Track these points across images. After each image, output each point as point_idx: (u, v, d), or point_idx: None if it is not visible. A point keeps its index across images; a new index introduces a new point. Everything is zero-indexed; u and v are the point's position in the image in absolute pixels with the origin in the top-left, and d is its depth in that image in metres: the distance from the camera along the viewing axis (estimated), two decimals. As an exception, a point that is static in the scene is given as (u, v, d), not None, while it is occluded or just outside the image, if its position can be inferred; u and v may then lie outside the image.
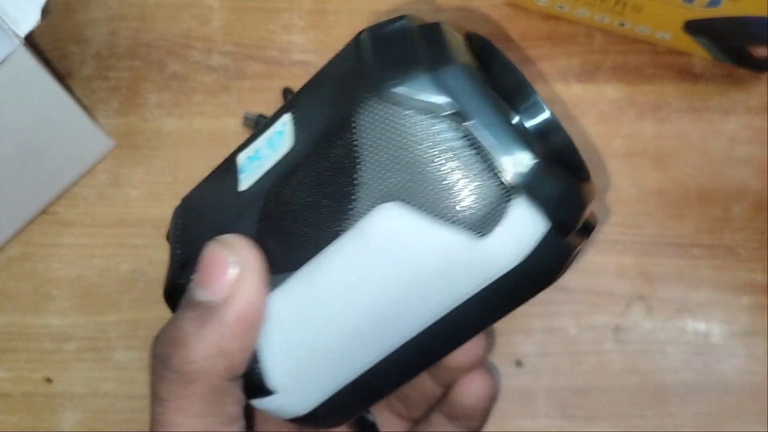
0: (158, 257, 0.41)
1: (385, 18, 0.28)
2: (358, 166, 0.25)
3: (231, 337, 0.26)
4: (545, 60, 0.43)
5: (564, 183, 0.25)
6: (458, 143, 0.25)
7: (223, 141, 0.43)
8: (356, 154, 0.25)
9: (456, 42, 0.27)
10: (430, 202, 0.25)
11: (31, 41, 0.35)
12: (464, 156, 0.25)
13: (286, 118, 0.28)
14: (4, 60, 0.33)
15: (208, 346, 0.26)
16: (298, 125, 0.27)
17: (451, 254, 0.25)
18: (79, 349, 0.41)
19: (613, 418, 0.39)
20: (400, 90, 0.25)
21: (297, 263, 0.26)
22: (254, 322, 0.27)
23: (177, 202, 0.42)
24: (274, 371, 0.28)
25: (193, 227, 0.30)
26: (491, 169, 0.24)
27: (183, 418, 0.26)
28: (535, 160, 0.25)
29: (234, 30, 0.44)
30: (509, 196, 0.24)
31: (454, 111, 0.25)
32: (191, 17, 0.45)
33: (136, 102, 0.43)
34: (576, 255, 0.27)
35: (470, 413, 0.34)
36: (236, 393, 0.27)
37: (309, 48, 0.44)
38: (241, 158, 0.29)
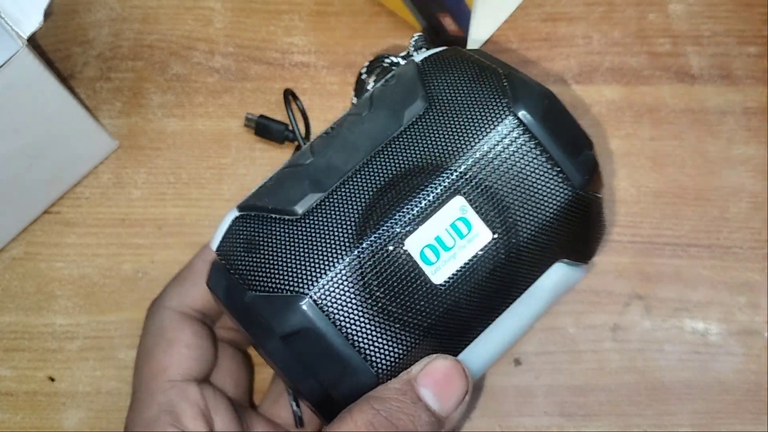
0: (160, 257, 0.42)
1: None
2: (554, 243, 0.31)
3: None
4: (543, 61, 0.44)
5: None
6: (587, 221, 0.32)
7: (225, 142, 0.43)
8: (558, 232, 0.31)
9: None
10: (574, 252, 0.32)
11: (34, 43, 0.35)
12: (586, 230, 0.33)
13: (462, 205, 0.30)
14: (8, 61, 0.33)
15: None
16: (484, 215, 0.30)
17: (572, 282, 0.33)
18: (82, 348, 0.41)
19: (612, 417, 0.39)
20: (587, 183, 0.32)
21: (478, 332, 0.31)
22: None
23: (179, 202, 0.43)
24: None
25: (360, 318, 0.29)
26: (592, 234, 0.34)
27: None
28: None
29: (236, 31, 0.45)
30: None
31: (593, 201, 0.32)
32: (193, 19, 0.45)
33: (139, 103, 0.44)
34: None
35: None
36: None
37: (310, 49, 0.44)
38: (417, 246, 0.30)
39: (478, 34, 0.43)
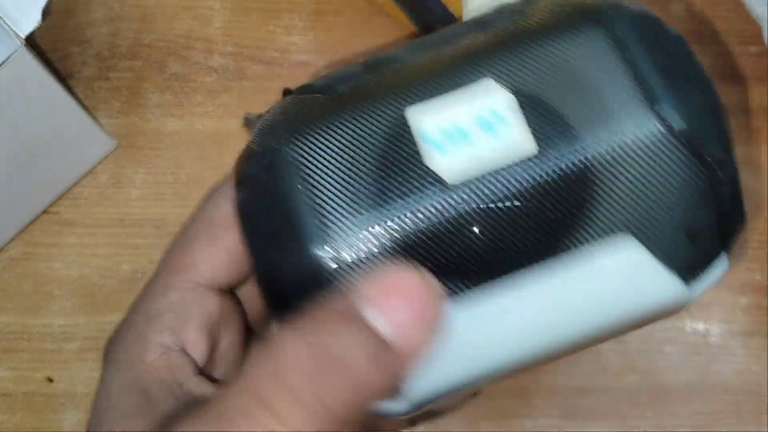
0: (159, 257, 0.41)
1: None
2: (600, 192, 0.24)
3: (384, 390, 0.22)
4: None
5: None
6: (704, 197, 0.24)
7: (224, 141, 0.43)
8: (605, 181, 0.24)
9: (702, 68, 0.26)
10: (660, 244, 0.24)
11: (32, 42, 0.35)
12: (704, 209, 0.25)
13: (510, 103, 0.24)
14: (6, 61, 0.33)
15: (363, 393, 0.21)
16: (533, 121, 0.24)
17: (658, 296, 0.25)
18: (81, 349, 0.41)
19: (612, 418, 0.39)
20: (685, 126, 0.24)
21: (492, 275, 0.24)
22: (408, 373, 0.23)
23: (178, 202, 0.42)
24: (419, 383, 0.24)
25: (333, 183, 0.24)
26: (721, 225, 0.25)
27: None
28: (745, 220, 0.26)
29: (235, 31, 0.44)
30: (723, 253, 0.26)
31: (722, 161, 0.25)
32: (192, 18, 0.45)
33: (137, 102, 0.43)
34: None
35: None
36: None
37: (309, 49, 0.44)
38: (429, 126, 0.24)
39: None
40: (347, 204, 0.23)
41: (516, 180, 0.23)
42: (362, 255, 0.23)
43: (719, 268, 0.26)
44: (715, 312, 0.40)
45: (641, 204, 0.24)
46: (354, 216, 0.23)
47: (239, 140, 0.43)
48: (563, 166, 0.23)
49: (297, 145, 0.24)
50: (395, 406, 0.24)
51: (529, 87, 0.24)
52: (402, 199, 0.23)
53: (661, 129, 0.24)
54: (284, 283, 0.24)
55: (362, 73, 0.26)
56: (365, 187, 0.23)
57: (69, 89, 0.40)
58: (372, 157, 0.24)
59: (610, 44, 0.24)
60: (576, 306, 0.24)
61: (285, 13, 0.45)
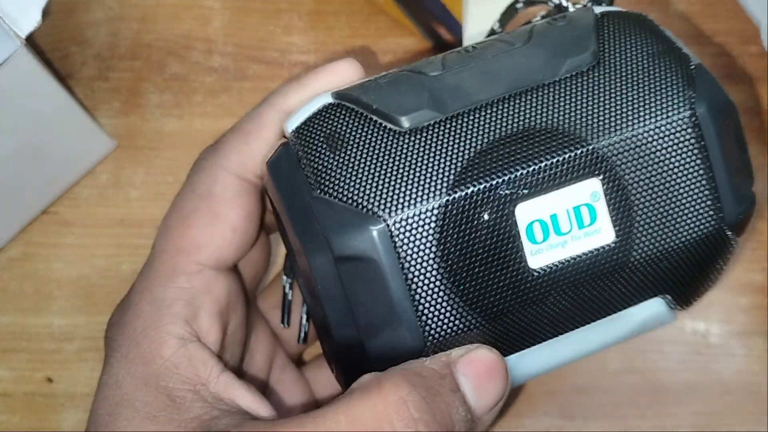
0: (159, 257, 0.41)
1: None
2: (655, 278, 0.27)
3: None
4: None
5: None
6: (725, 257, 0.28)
7: (224, 141, 0.43)
8: (659, 273, 0.27)
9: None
10: (680, 298, 0.29)
11: (32, 42, 0.35)
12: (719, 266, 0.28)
13: (598, 189, 0.25)
14: (5, 61, 0.33)
15: None
16: (614, 212, 0.25)
17: (655, 324, 0.30)
18: (81, 349, 0.41)
19: (612, 418, 0.39)
20: (735, 222, 0.27)
21: (544, 338, 0.27)
22: None
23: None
24: None
25: (433, 269, 0.24)
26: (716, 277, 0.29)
27: None
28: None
29: (234, 31, 0.44)
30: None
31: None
32: (192, 18, 0.45)
33: (137, 102, 0.43)
34: None
35: None
36: None
37: (309, 49, 0.44)
38: (527, 215, 0.25)
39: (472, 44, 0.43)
40: (444, 293, 0.25)
41: (597, 272, 0.25)
42: (453, 338, 0.25)
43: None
44: (715, 312, 0.40)
45: (675, 278, 0.27)
46: (451, 307, 0.25)
47: (239, 140, 0.43)
48: (632, 257, 0.26)
49: (398, 226, 0.24)
50: None
51: (625, 187, 0.25)
52: (494, 295, 0.25)
53: (715, 222, 0.26)
54: (369, 362, 0.25)
55: (424, 102, 0.26)
56: (462, 279, 0.25)
57: (69, 89, 0.40)
58: (472, 243, 0.25)
59: (692, 139, 0.26)
60: (597, 346, 0.28)
61: (285, 13, 0.45)
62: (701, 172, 0.25)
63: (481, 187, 0.24)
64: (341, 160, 0.25)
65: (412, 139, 0.25)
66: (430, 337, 0.25)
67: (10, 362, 0.40)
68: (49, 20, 0.43)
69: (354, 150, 0.25)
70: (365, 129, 0.25)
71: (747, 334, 0.40)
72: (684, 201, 0.25)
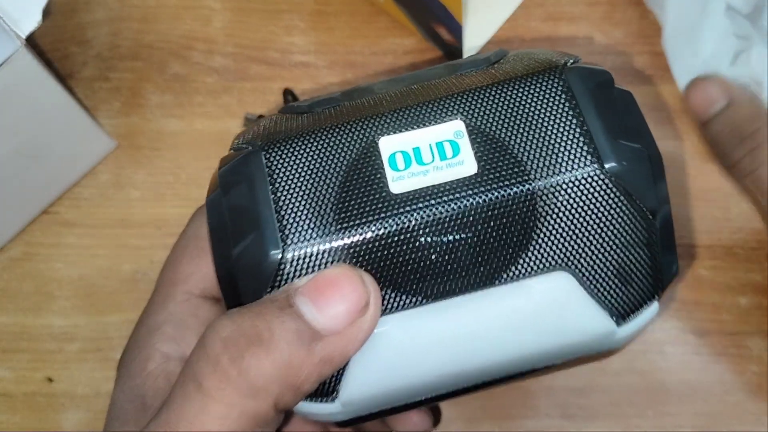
0: (160, 257, 0.41)
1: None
2: (541, 227, 0.25)
3: (313, 374, 0.24)
4: (545, 61, 0.43)
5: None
6: (644, 239, 0.26)
7: (225, 142, 0.43)
8: (545, 216, 0.25)
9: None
10: (595, 282, 0.26)
11: (32, 42, 0.35)
12: (642, 252, 0.26)
13: (461, 128, 0.26)
14: (6, 61, 0.33)
15: (289, 370, 0.23)
16: (478, 147, 0.26)
17: (590, 334, 0.27)
18: (81, 350, 0.41)
19: (613, 418, 0.39)
20: (620, 170, 0.26)
21: (434, 296, 0.26)
22: (342, 364, 0.25)
23: (178, 203, 0.42)
24: (352, 387, 0.26)
25: (298, 188, 0.26)
26: (655, 270, 0.27)
27: (220, 427, 0.23)
28: (677, 272, 0.28)
29: (235, 31, 0.44)
30: (653, 298, 0.27)
31: (653, 209, 0.26)
32: (193, 18, 0.45)
33: (138, 103, 0.43)
34: None
35: None
36: (278, 422, 0.25)
37: (310, 49, 0.44)
38: (389, 146, 0.26)
39: (472, 44, 0.43)
40: (308, 211, 0.25)
41: (459, 198, 0.25)
42: (314, 260, 0.25)
43: (650, 311, 0.28)
44: (715, 312, 0.40)
45: (577, 242, 0.26)
46: (312, 224, 0.25)
47: (240, 140, 0.43)
48: (502, 190, 0.25)
49: (271, 153, 0.26)
50: (330, 408, 0.26)
51: (486, 125, 0.26)
52: (358, 212, 0.25)
53: (597, 171, 0.25)
54: (240, 278, 0.26)
55: (341, 99, 0.29)
56: (327, 199, 0.26)
57: (69, 89, 0.40)
58: (337, 173, 0.26)
59: (562, 94, 0.27)
60: (505, 332, 0.26)
61: (285, 13, 0.45)
62: (572, 119, 0.26)
63: (351, 123, 0.27)
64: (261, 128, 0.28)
65: (311, 112, 0.29)
66: (291, 243, 0.25)
67: (10, 362, 0.40)
68: (50, 20, 0.43)
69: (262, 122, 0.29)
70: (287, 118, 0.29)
71: (747, 334, 0.40)
72: (553, 142, 0.26)
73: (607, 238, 0.26)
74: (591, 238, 0.26)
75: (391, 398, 0.27)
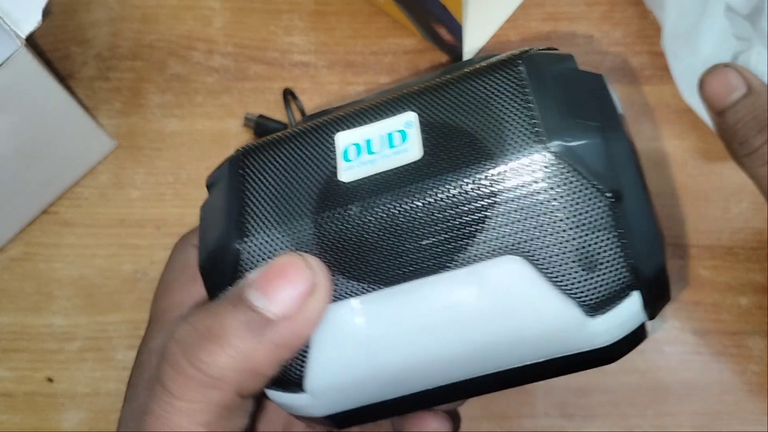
0: (160, 257, 0.41)
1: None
2: (491, 209, 0.25)
3: (271, 359, 0.25)
4: (545, 61, 0.43)
5: (668, 285, 0.27)
6: (605, 222, 0.25)
7: (225, 142, 0.43)
8: (495, 198, 0.25)
9: (616, 104, 0.27)
10: (554, 268, 0.25)
11: (32, 42, 0.35)
12: (606, 236, 0.25)
13: (412, 119, 0.27)
14: (6, 61, 0.33)
15: (244, 358, 0.25)
16: (427, 134, 0.26)
17: (555, 324, 0.26)
18: (81, 349, 0.41)
19: (612, 418, 0.39)
20: (568, 148, 0.25)
21: (388, 280, 0.26)
22: (299, 347, 0.26)
23: (179, 203, 0.42)
24: (316, 374, 0.26)
25: (262, 186, 0.27)
26: (627, 258, 0.25)
27: (189, 424, 0.25)
28: (664, 266, 0.26)
29: (235, 31, 0.44)
30: (631, 290, 0.25)
31: (612, 188, 0.25)
32: (193, 18, 0.45)
33: (138, 103, 0.43)
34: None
35: None
36: (248, 407, 0.27)
37: (310, 49, 0.44)
38: (344, 140, 0.27)
39: (472, 44, 0.43)
40: (269, 206, 0.27)
41: (402, 183, 0.26)
42: (271, 250, 0.26)
43: (629, 306, 0.26)
44: (715, 312, 0.40)
45: (526, 224, 0.25)
46: (272, 217, 0.27)
47: (240, 140, 0.43)
48: (445, 174, 0.26)
49: (247, 156, 0.28)
50: (301, 399, 0.27)
51: (439, 115, 0.27)
52: (309, 202, 0.27)
53: (542, 149, 0.25)
54: (212, 273, 0.27)
55: (320, 115, 0.30)
56: (287, 193, 0.27)
57: (69, 89, 0.40)
58: (299, 169, 0.27)
59: (514, 79, 0.26)
60: (463, 316, 0.26)
61: (285, 13, 0.45)
62: (521, 101, 0.26)
63: (318, 126, 0.28)
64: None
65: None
66: (250, 236, 0.27)
67: (11, 362, 0.41)
68: (50, 20, 0.43)
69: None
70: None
71: (747, 334, 0.40)
72: (501, 124, 0.25)
73: (557, 220, 0.25)
74: (540, 219, 0.25)
75: (364, 390, 0.27)
